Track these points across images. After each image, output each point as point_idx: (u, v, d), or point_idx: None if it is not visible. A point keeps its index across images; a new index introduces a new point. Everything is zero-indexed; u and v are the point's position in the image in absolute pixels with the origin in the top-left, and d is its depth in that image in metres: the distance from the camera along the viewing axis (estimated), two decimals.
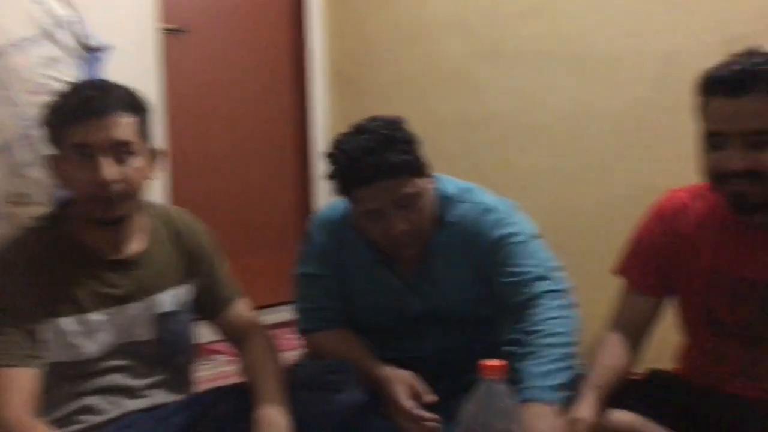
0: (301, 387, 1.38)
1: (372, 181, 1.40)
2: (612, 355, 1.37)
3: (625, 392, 1.35)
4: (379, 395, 1.44)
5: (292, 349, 1.91)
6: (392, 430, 1.42)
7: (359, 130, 1.46)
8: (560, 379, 1.34)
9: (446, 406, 1.44)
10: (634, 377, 1.44)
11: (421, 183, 1.46)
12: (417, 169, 1.45)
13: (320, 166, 3.22)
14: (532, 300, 1.44)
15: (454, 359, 1.54)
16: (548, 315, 1.42)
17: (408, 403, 1.35)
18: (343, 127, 1.53)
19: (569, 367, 1.37)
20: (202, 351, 2.23)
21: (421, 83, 2.85)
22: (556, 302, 1.44)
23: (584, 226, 2.43)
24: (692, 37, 2.14)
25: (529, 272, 1.47)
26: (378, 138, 1.41)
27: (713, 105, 1.25)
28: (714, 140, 1.26)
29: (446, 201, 1.54)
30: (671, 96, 1.89)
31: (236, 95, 3.11)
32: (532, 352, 1.37)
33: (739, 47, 1.29)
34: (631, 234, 1.48)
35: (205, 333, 1.59)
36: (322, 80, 3.23)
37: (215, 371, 2.45)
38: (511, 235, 1.50)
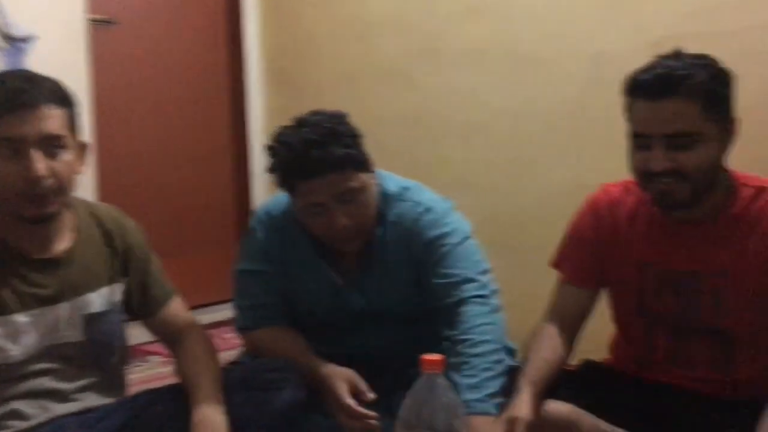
0: (239, 386, 1.35)
1: (315, 175, 1.39)
2: (547, 348, 1.39)
3: (560, 383, 1.38)
4: (319, 393, 1.43)
5: (230, 348, 1.88)
6: (333, 428, 1.42)
7: (302, 123, 1.45)
8: (492, 387, 1.36)
9: (387, 403, 1.45)
10: (569, 368, 1.48)
11: (364, 178, 1.46)
12: (360, 163, 1.45)
13: (258, 162, 3.21)
14: (460, 304, 1.46)
15: (395, 355, 1.54)
16: (475, 322, 1.44)
17: (349, 401, 1.34)
18: (281, 123, 1.52)
19: (500, 374, 1.39)
20: (135, 352, 2.17)
21: (360, 79, 2.85)
22: (483, 308, 1.46)
23: (521, 221, 2.48)
24: (621, 39, 2.21)
25: (459, 275, 1.49)
26: (321, 131, 1.41)
27: (637, 107, 1.29)
28: (639, 141, 1.30)
29: (387, 199, 1.54)
30: (602, 96, 1.94)
31: (168, 89, 3.03)
32: (463, 363, 1.39)
33: (665, 49, 1.33)
34: (567, 228, 1.52)
35: (137, 334, 1.55)
36: (258, 74, 3.18)
37: (149, 373, 2.39)
38: (444, 235, 1.52)
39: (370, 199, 1.49)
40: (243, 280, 1.60)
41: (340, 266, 1.57)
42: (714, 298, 1.31)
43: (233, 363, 1.59)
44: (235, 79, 3.20)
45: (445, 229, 1.52)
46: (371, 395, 1.36)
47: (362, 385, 1.37)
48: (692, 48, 1.33)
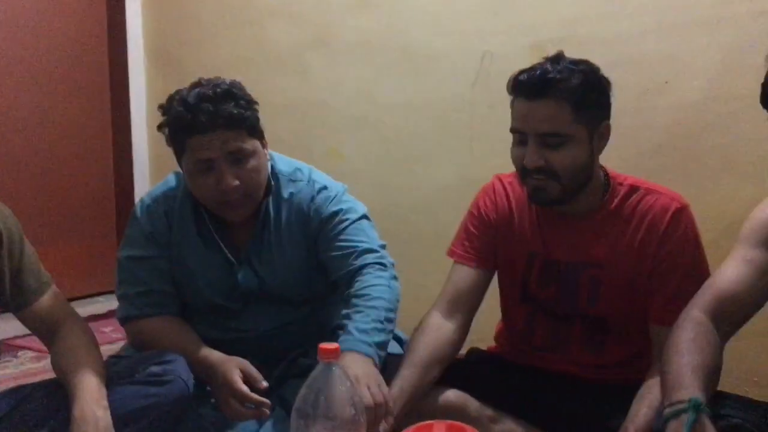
0: (123, 380, 1.30)
1: (208, 130, 1.40)
2: (432, 330, 1.43)
3: (449, 371, 1.43)
4: (208, 384, 1.40)
5: (109, 342, 1.79)
6: (221, 421, 1.39)
7: (198, 83, 1.47)
8: (378, 339, 1.38)
9: (280, 393, 1.44)
10: (459, 356, 1.53)
11: (255, 143, 1.47)
12: (253, 128, 1.47)
13: (140, 149, 3.07)
14: (360, 270, 1.49)
15: (287, 342, 1.54)
16: (374, 282, 1.47)
17: (242, 386, 1.32)
18: None
19: (387, 334, 1.42)
20: (4, 347, 2.03)
21: (249, 67, 2.79)
22: (382, 273, 1.50)
23: (412, 216, 2.52)
24: (508, 40, 2.29)
25: (358, 246, 1.52)
26: (217, 90, 1.42)
27: (516, 105, 1.36)
28: (518, 137, 1.37)
29: (280, 177, 1.57)
30: (490, 93, 2.00)
31: (45, 72, 2.85)
32: (357, 311, 1.41)
33: (547, 51, 1.41)
34: (465, 215, 1.56)
35: (6, 328, 1.44)
36: (140, 58, 3.04)
37: (20, 369, 2.24)
38: (343, 211, 1.55)
39: (261, 167, 1.49)
40: (128, 266, 1.55)
41: (232, 243, 1.56)
42: (591, 288, 1.40)
43: (116, 356, 1.53)
44: (115, 62, 3.04)
45: (343, 206, 1.56)
46: (264, 383, 1.34)
47: (255, 372, 1.35)
48: (573, 52, 1.41)
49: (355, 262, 1.50)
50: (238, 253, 1.56)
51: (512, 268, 1.49)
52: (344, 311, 1.44)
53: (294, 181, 1.58)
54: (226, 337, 1.53)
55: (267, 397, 1.33)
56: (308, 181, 1.58)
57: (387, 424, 1.23)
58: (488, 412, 1.39)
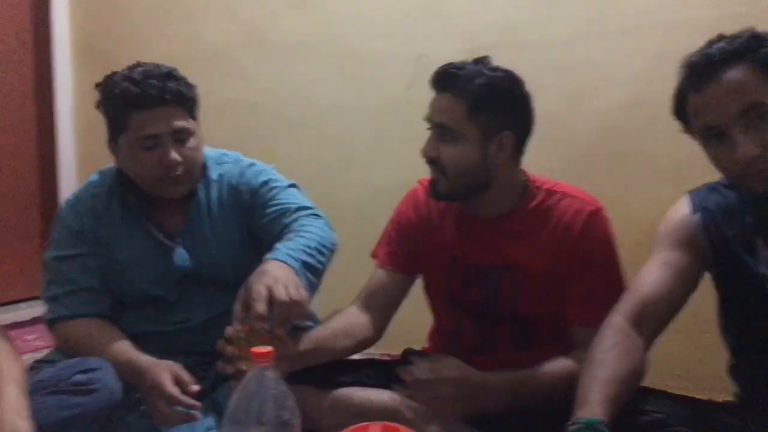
0: (45, 390, 1.26)
1: (154, 105, 1.43)
2: (347, 313, 1.46)
3: (382, 372, 1.43)
4: (136, 390, 1.37)
5: (32, 351, 1.72)
6: (150, 430, 1.36)
7: (139, 64, 1.49)
8: (306, 259, 1.38)
9: (213, 397, 1.42)
10: (391, 358, 1.53)
11: (195, 125, 1.51)
12: (194, 108, 1.51)
13: (66, 149, 2.96)
14: (292, 223, 1.51)
15: (225, 329, 1.52)
16: (308, 223, 1.50)
17: (172, 389, 1.29)
18: (93, 107, 1.46)
19: (318, 261, 1.42)
20: None
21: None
22: (318, 221, 1.53)
23: (348, 218, 2.51)
24: (442, 43, 2.32)
25: (291, 205, 1.55)
26: (160, 69, 1.47)
27: (433, 97, 1.41)
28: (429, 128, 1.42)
29: (208, 160, 1.59)
30: (424, 96, 2.00)
31: None
32: (286, 240, 1.43)
33: (480, 55, 1.43)
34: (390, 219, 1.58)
35: None
36: (66, 56, 2.94)
37: None
38: (273, 180, 1.59)
39: (199, 147, 1.53)
40: (55, 267, 1.52)
41: (165, 228, 1.56)
42: (511, 290, 1.42)
43: (41, 362, 1.47)
44: (40, 60, 2.93)
45: (272, 176, 1.60)
46: (196, 387, 1.31)
47: (186, 376, 1.33)
48: (506, 57, 1.44)
49: (287, 220, 1.52)
50: (171, 237, 1.55)
51: (435, 273, 1.51)
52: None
53: (221, 163, 1.61)
54: (163, 329, 1.52)
55: (200, 401, 1.31)
56: (235, 162, 1.62)
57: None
58: (422, 413, 1.40)
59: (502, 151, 1.39)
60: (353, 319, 1.47)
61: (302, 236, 1.43)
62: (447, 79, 1.37)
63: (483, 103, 1.35)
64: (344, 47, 2.50)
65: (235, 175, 1.59)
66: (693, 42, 1.17)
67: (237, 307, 1.27)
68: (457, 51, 1.80)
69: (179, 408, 1.30)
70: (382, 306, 1.50)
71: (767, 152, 1.07)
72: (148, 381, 1.33)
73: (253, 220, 1.57)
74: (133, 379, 1.36)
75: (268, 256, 1.35)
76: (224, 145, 1.72)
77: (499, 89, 1.37)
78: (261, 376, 0.95)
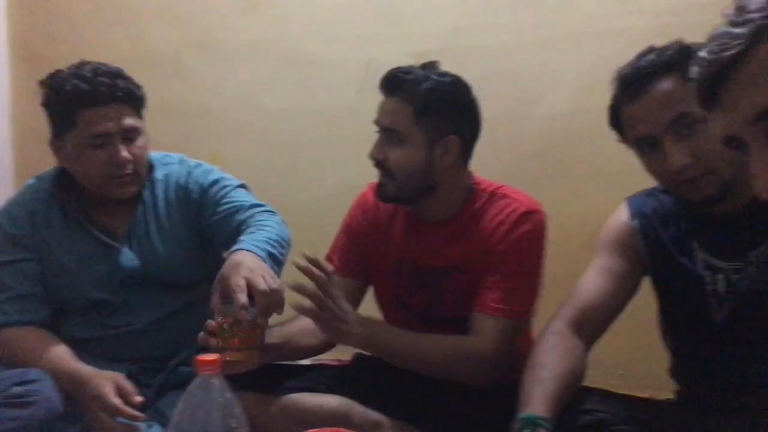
0: None
1: (107, 102, 1.42)
2: (306, 320, 1.43)
3: (333, 378, 1.43)
4: (77, 401, 1.33)
5: None
6: None
7: (84, 63, 1.48)
8: (270, 249, 1.38)
9: (158, 406, 1.39)
10: (341, 364, 1.53)
11: (143, 124, 1.50)
12: (141, 107, 1.50)
13: (3, 155, 2.86)
14: (249, 218, 1.51)
15: (171, 335, 1.51)
16: (265, 218, 1.50)
17: (115, 400, 1.26)
18: (32, 111, 1.41)
19: (280, 254, 1.43)
20: None
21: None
22: (275, 216, 1.53)
23: (297, 223, 2.49)
24: (391, 48, 2.33)
25: (244, 203, 1.55)
26: (108, 67, 1.47)
27: (381, 100, 1.43)
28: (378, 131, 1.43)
29: (152, 161, 1.58)
30: (374, 100, 2.01)
31: None
32: (248, 233, 1.42)
33: (429, 60, 1.45)
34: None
35: None
36: (4, 57, 2.83)
37: None
38: (223, 179, 1.59)
39: (147, 146, 1.52)
40: None
41: (109, 230, 1.53)
42: (455, 291, 1.44)
43: None
44: None
45: (223, 175, 1.60)
46: (139, 398, 1.29)
47: (128, 386, 1.30)
48: (454, 63, 1.46)
49: (242, 216, 1.52)
50: (116, 237, 1.53)
51: (384, 277, 1.52)
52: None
53: (165, 164, 1.60)
54: (106, 334, 1.49)
55: (143, 412, 1.28)
56: (180, 162, 1.61)
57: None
58: (372, 417, 1.40)
59: (447, 155, 1.41)
60: (308, 322, 1.44)
61: (263, 229, 1.43)
62: (395, 83, 1.39)
63: (429, 107, 1.37)
64: (293, 51, 2.49)
65: (183, 175, 1.58)
66: (630, 50, 1.21)
67: (215, 300, 1.25)
68: (407, 56, 1.82)
69: (122, 419, 1.27)
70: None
71: (697, 161, 1.11)
72: (89, 392, 1.30)
73: (203, 218, 1.55)
74: (73, 390, 1.32)
75: (236, 247, 1.34)
76: (170, 148, 1.69)
77: (445, 94, 1.39)
78: (207, 384, 0.94)
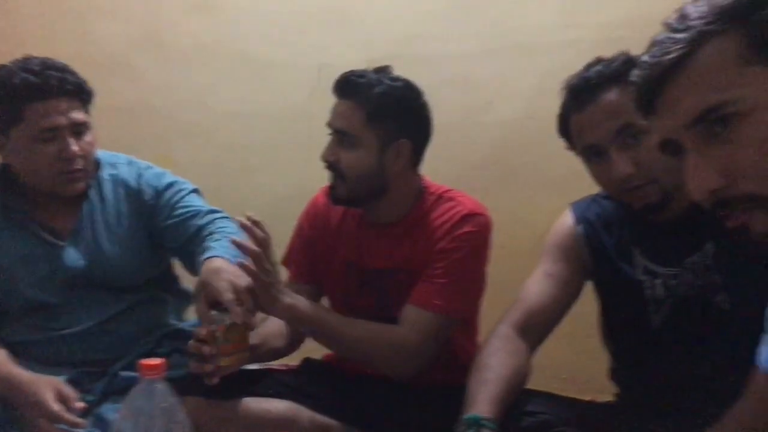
0: None
1: (57, 95, 1.40)
2: (276, 321, 1.46)
3: (281, 383, 1.42)
4: (15, 405, 1.30)
5: None
6: None
7: (29, 57, 1.45)
8: (239, 258, 1.36)
9: (100, 412, 1.36)
10: (289, 368, 1.53)
11: (90, 119, 1.48)
12: (89, 103, 1.49)
13: None
14: (209, 224, 1.50)
15: (114, 339, 1.49)
16: (226, 225, 1.50)
17: (55, 406, 1.23)
18: None
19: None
20: None
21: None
22: (233, 224, 1.51)
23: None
24: (344, 54, 2.34)
25: (201, 209, 1.54)
26: (54, 61, 1.45)
27: (334, 103, 1.44)
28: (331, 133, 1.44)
29: (99, 161, 1.55)
30: (326, 105, 2.02)
31: None
32: (215, 240, 1.42)
33: (376, 65, 1.46)
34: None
35: None
36: None
37: None
38: (178, 183, 1.58)
39: (95, 142, 1.50)
40: None
41: (53, 229, 1.50)
42: (401, 293, 1.45)
43: None
44: None
45: (178, 179, 1.59)
46: (80, 403, 1.26)
47: (69, 392, 1.27)
48: (406, 69, 1.47)
49: (200, 222, 1.51)
50: (60, 236, 1.50)
51: (334, 280, 1.53)
52: (200, 246, 1.43)
53: (113, 163, 1.57)
54: (47, 337, 1.45)
55: (84, 418, 1.25)
56: (129, 163, 1.59)
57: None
58: (320, 421, 1.40)
59: (399, 158, 1.42)
60: (269, 321, 1.47)
61: (228, 237, 1.42)
62: (348, 86, 1.40)
63: (381, 111, 1.38)
64: (245, 53, 2.47)
65: (133, 176, 1.56)
66: (577, 61, 1.24)
67: (203, 308, 1.25)
68: (359, 61, 1.83)
69: (62, 426, 1.24)
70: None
71: (640, 170, 1.15)
72: (28, 398, 1.26)
73: (156, 221, 1.54)
74: (11, 396, 1.29)
75: (209, 254, 1.34)
76: (117, 149, 1.66)
77: (397, 98, 1.41)
78: (150, 389, 0.92)
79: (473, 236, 1.41)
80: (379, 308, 1.47)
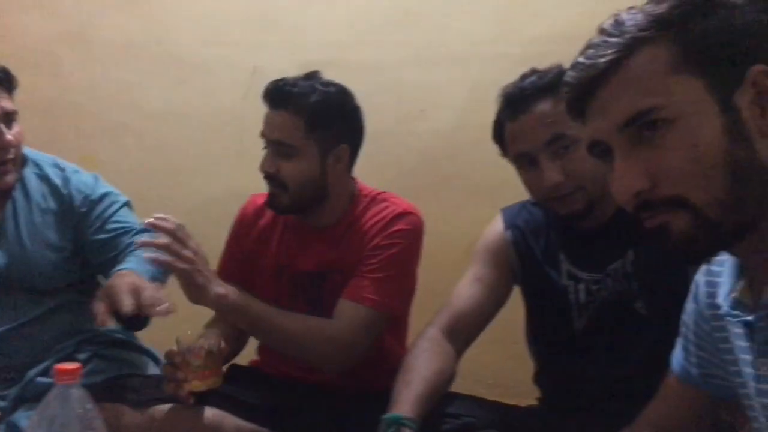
0: None
1: None
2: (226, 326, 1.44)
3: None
4: None
5: None
6: None
7: None
8: (156, 273, 1.38)
9: (13, 419, 1.30)
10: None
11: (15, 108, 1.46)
12: (14, 91, 1.46)
13: None
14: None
15: (30, 344, 1.45)
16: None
17: None
18: None
19: (163, 275, 1.43)
20: None
21: None
22: None
23: None
24: (278, 56, 2.32)
25: (134, 227, 1.50)
26: None
27: (266, 112, 1.42)
28: (264, 143, 1.43)
29: (23, 159, 1.51)
30: (259, 108, 2.01)
31: None
32: (136, 256, 1.39)
33: (310, 69, 1.45)
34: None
35: None
36: None
37: None
38: (112, 194, 1.54)
39: (22, 134, 1.46)
40: None
41: None
42: (334, 296, 1.44)
43: None
44: None
45: (111, 190, 1.55)
46: None
47: None
48: (339, 75, 1.47)
49: (129, 240, 1.47)
50: None
51: (263, 285, 1.52)
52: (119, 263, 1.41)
53: (38, 162, 1.53)
54: None
55: None
56: (54, 164, 1.54)
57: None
58: (245, 428, 1.38)
59: (339, 163, 1.43)
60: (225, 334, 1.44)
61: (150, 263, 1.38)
62: (282, 96, 1.38)
63: (320, 119, 1.38)
64: (175, 52, 2.42)
65: (60, 179, 1.51)
66: (508, 74, 1.27)
67: (102, 314, 1.22)
68: (293, 65, 1.82)
69: None
70: (227, 322, 1.47)
71: (569, 179, 1.19)
72: None
73: (86, 231, 1.50)
74: None
75: (120, 267, 1.34)
76: (39, 147, 1.60)
77: (334, 104, 1.41)
78: (65, 394, 0.88)
79: (406, 234, 1.42)
80: (312, 311, 1.46)
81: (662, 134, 0.71)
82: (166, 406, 1.32)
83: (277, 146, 1.39)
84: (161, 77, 2.43)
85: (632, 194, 0.73)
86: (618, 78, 0.73)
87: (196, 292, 1.24)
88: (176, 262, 1.20)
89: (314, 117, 1.37)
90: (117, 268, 1.34)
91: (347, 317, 1.35)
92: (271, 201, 1.44)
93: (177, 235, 1.22)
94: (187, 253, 1.22)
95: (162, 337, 1.48)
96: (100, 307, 1.23)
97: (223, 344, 1.28)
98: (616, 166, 0.75)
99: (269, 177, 1.41)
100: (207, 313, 1.48)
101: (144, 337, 1.58)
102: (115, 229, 1.49)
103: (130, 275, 1.29)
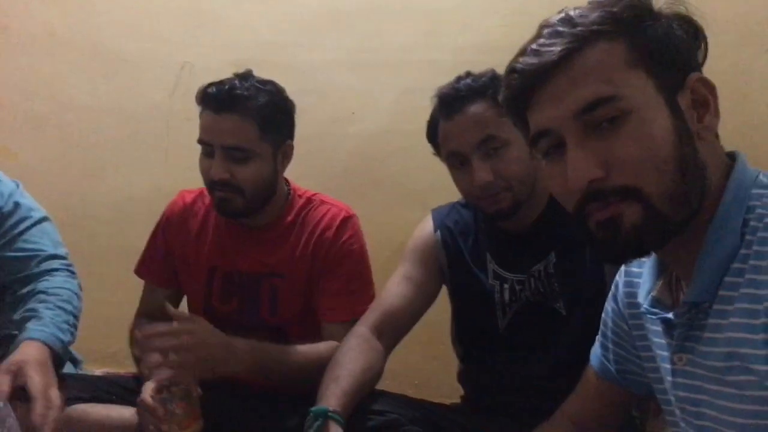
0: None
1: None
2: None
3: (127, 387, 1.36)
4: None
5: None
6: None
7: None
8: (66, 338, 1.29)
9: None
10: (137, 374, 1.45)
11: None
12: None
13: None
14: (47, 272, 1.39)
15: None
16: (65, 285, 1.38)
17: None
18: None
19: (73, 335, 1.33)
20: None
21: None
22: (72, 280, 1.41)
23: (98, 226, 2.34)
24: (208, 53, 2.28)
25: (44, 250, 1.41)
26: None
27: (204, 116, 1.39)
28: (205, 149, 1.40)
29: None
30: (187, 104, 1.99)
31: None
32: (49, 308, 1.30)
33: (241, 68, 1.44)
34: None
35: None
36: None
37: None
38: (26, 208, 1.43)
39: None
40: None
41: None
42: (271, 297, 1.45)
43: None
44: None
45: (26, 202, 1.44)
46: None
47: None
48: (270, 75, 1.47)
49: (38, 267, 1.39)
50: None
51: (194, 284, 1.50)
52: (30, 306, 1.31)
53: None
54: None
55: None
56: None
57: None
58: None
59: (285, 161, 1.45)
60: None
61: (63, 308, 1.32)
62: (230, 99, 1.35)
63: (271, 119, 1.38)
64: (101, 45, 2.34)
65: None
66: (437, 81, 1.30)
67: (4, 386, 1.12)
68: (223, 63, 1.81)
69: None
70: (157, 320, 1.42)
71: (498, 179, 1.22)
72: None
73: None
74: None
75: (36, 333, 1.23)
76: None
77: (279, 103, 1.42)
78: None
79: (356, 238, 1.46)
80: (245, 313, 1.46)
81: (617, 125, 0.73)
82: (84, 406, 1.29)
83: (230, 151, 1.36)
84: (85, 70, 2.35)
85: (586, 182, 0.73)
86: (575, 67, 0.74)
87: (220, 364, 1.22)
88: (182, 358, 1.18)
89: (266, 118, 1.37)
90: (24, 334, 1.24)
91: (339, 337, 1.33)
92: (223, 207, 1.40)
93: (161, 332, 1.18)
94: (184, 340, 1.18)
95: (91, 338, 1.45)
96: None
97: (198, 390, 1.22)
98: (569, 154, 0.75)
99: (222, 183, 1.37)
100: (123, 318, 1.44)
101: None
102: (25, 250, 1.40)
103: (33, 358, 1.18)
